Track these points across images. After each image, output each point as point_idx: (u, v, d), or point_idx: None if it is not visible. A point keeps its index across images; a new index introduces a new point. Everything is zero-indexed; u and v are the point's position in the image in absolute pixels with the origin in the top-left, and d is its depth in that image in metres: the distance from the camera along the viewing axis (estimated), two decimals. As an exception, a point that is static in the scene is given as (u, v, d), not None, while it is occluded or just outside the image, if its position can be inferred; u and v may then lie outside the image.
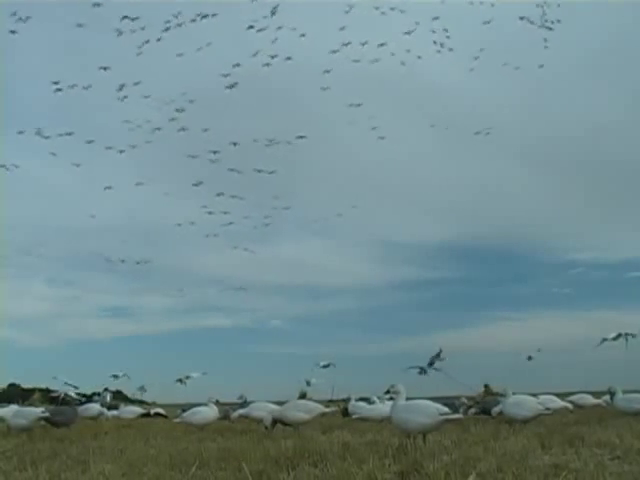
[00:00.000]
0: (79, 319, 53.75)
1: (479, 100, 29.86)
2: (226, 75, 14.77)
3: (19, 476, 4.91)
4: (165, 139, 16.70)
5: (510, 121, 34.06)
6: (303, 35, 14.78)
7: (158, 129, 15.77)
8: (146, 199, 24.39)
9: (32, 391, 25.41)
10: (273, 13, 13.51)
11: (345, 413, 13.22)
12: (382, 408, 10.79)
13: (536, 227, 49.82)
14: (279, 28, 13.98)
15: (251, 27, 13.82)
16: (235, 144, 16.29)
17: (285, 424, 9.07)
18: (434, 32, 14.74)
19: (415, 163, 38.20)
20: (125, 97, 14.73)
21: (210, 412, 10.25)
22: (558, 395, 12.82)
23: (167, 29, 13.42)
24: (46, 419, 10.04)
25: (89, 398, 19.06)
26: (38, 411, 10.01)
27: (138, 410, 16.13)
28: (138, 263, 21.10)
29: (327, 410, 9.70)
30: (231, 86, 14.83)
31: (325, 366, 16.04)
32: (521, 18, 14.29)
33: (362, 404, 13.07)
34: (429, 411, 6.41)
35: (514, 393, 9.42)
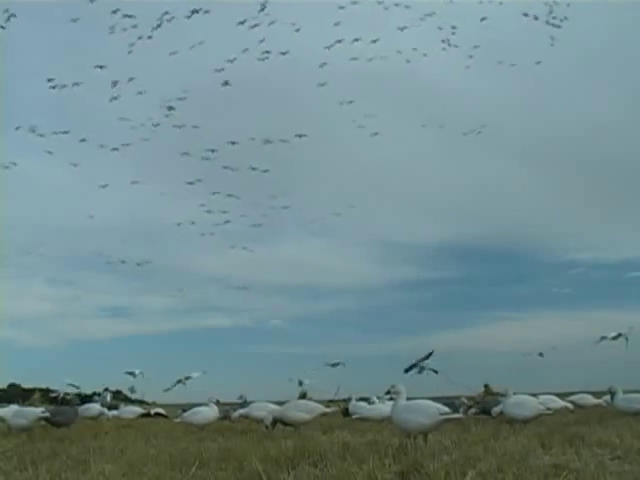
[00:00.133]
0: (79, 319, 53.84)
1: (479, 100, 29.94)
2: (220, 70, 14.70)
3: (19, 476, 4.91)
4: (163, 137, 16.67)
5: (510, 121, 34.18)
6: (298, 30, 14.64)
7: (155, 125, 15.69)
8: (146, 198, 24.41)
9: (32, 391, 25.45)
10: (262, 9, 13.43)
11: (345, 413, 13.23)
12: (382, 408, 10.80)
13: (536, 227, 49.92)
14: (271, 23, 13.85)
15: (241, 22, 13.72)
16: (233, 143, 16.29)
17: (285, 424, 9.07)
18: (440, 29, 14.59)
19: (415, 163, 38.28)
20: (118, 95, 14.68)
21: (210, 412, 10.25)
22: (558, 395, 12.82)
23: (159, 25, 13.30)
24: (46, 419, 10.04)
25: (89, 398, 19.05)
26: (38, 411, 10.02)
27: (138, 410, 16.14)
28: (139, 265, 21.08)
29: (327, 410, 9.71)
30: (226, 83, 14.77)
31: (334, 365, 16.00)
32: (525, 15, 14.14)
33: (362, 404, 13.08)
34: (429, 411, 6.42)
35: (514, 393, 9.43)
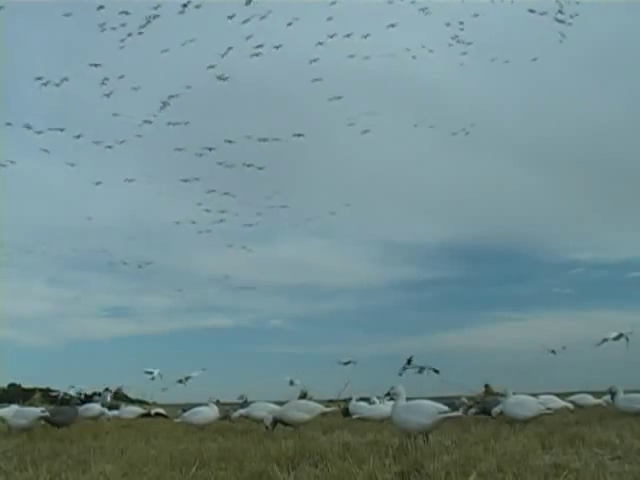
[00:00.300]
0: (79, 319, 53.64)
1: (480, 99, 29.84)
2: (213, 66, 14.62)
3: (19, 476, 4.91)
4: (159, 135, 16.61)
5: (511, 120, 34.07)
6: (290, 24, 14.52)
7: (149, 123, 15.64)
8: (145, 197, 24.31)
9: (32, 391, 25.39)
10: (248, 3, 13.32)
11: (346, 413, 13.22)
12: (383, 408, 10.80)
13: (536, 227, 49.72)
14: (262, 18, 13.74)
15: (230, 17, 13.58)
16: (230, 142, 16.26)
17: (286, 424, 9.07)
18: (448, 24, 14.48)
19: (415, 162, 38.12)
20: (110, 92, 14.63)
21: (211, 412, 10.25)
22: (559, 395, 12.82)
23: (149, 21, 13.22)
24: (46, 419, 10.05)
25: (89, 398, 19.05)
26: (38, 411, 10.02)
27: (138, 410, 16.13)
28: (140, 267, 21.07)
29: (327, 410, 9.71)
30: (221, 78, 14.70)
31: (346, 363, 15.98)
32: (531, 11, 14.01)
33: (363, 404, 13.08)
34: (429, 411, 6.49)
35: (514, 393, 9.43)
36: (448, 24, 14.54)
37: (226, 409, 12.98)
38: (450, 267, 57.02)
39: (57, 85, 14.13)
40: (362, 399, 13.95)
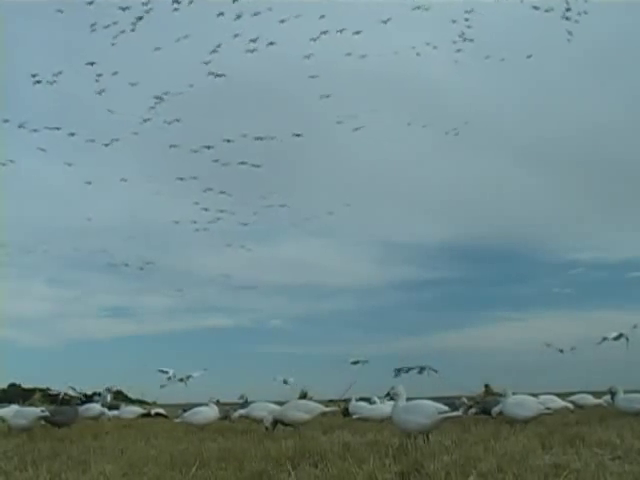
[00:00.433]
0: (79, 319, 53.60)
1: (479, 99, 29.84)
2: (207, 62, 14.57)
3: (20, 476, 4.91)
4: (158, 134, 16.58)
5: (511, 120, 34.02)
6: (283, 21, 14.44)
7: (146, 121, 15.62)
8: (143, 197, 24.27)
9: (32, 391, 25.38)
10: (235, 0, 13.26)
11: (346, 413, 13.22)
12: (383, 408, 10.79)
13: (536, 227, 49.67)
14: (255, 15, 13.70)
15: (221, 14, 13.55)
16: (229, 141, 16.22)
17: (285, 424, 9.07)
18: (454, 21, 14.43)
19: (415, 162, 38.08)
20: (102, 90, 14.61)
21: (211, 412, 10.25)
22: (559, 395, 12.80)
23: (141, 18, 13.17)
24: (46, 419, 10.05)
25: (89, 398, 19.03)
26: (38, 411, 10.02)
27: (139, 410, 16.13)
28: (142, 269, 21.06)
29: (327, 410, 9.70)
30: (215, 74, 14.65)
31: (354, 362, 15.94)
32: (535, 8, 13.90)
33: (363, 404, 13.07)
34: (429, 411, 6.51)
35: (514, 393, 9.42)
36: (454, 21, 14.43)
37: (226, 409, 12.97)
38: (450, 267, 56.98)
39: (50, 83, 14.13)
40: (362, 399, 13.95)
